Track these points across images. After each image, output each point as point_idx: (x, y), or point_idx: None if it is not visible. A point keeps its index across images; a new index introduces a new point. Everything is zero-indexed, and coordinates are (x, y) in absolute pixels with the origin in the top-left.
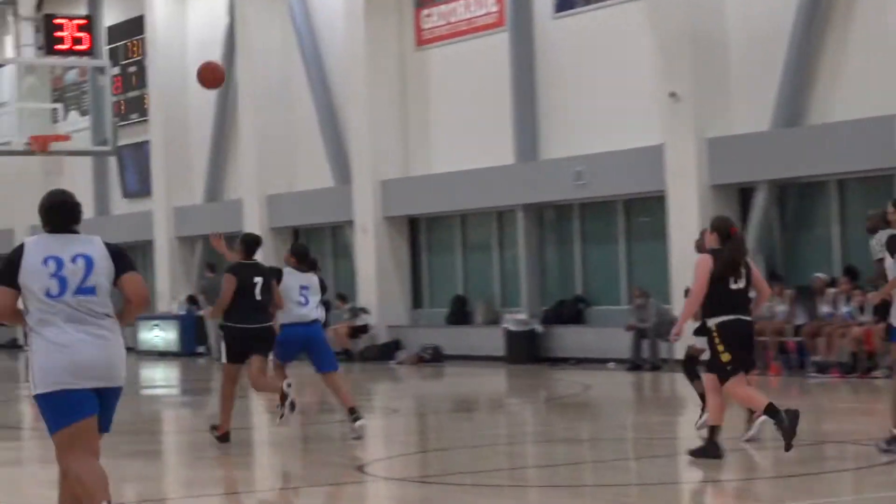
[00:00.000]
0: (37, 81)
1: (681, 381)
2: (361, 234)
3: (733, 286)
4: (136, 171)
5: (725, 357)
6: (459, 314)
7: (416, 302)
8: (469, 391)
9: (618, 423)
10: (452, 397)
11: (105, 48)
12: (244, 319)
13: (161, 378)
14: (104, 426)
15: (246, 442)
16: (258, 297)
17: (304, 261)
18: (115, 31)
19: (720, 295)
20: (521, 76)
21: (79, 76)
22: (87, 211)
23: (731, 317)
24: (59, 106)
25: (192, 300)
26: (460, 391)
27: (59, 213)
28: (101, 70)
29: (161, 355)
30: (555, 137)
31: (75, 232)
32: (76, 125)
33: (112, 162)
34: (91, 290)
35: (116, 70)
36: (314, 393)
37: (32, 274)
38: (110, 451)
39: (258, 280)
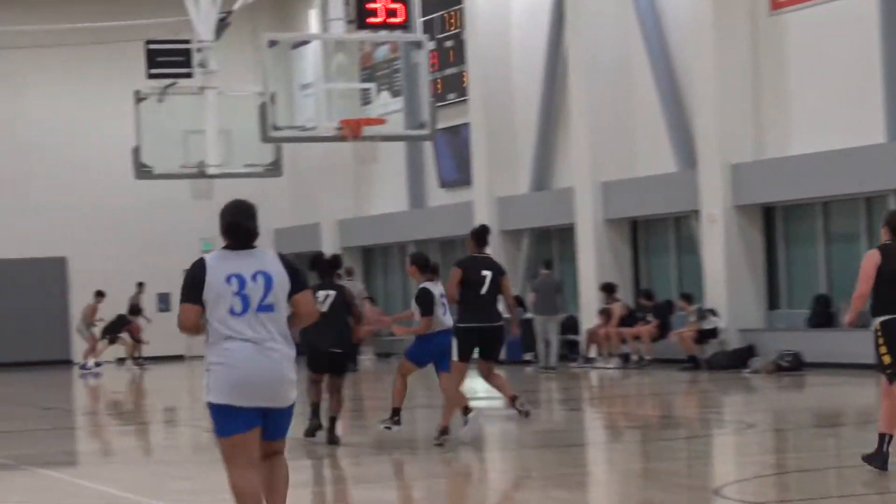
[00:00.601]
0: (346, 59)
1: None
2: (709, 225)
3: None
4: (453, 157)
5: (887, 359)
6: (822, 316)
7: (772, 302)
8: (834, 404)
9: None
10: (815, 410)
11: (419, 20)
12: (471, 318)
13: (484, 388)
14: (280, 435)
15: (580, 460)
16: (482, 292)
17: (425, 270)
18: (430, 2)
19: (885, 293)
20: (893, 42)
21: (390, 52)
22: (401, 203)
23: (894, 316)
24: (371, 86)
25: (518, 301)
26: (824, 404)
27: (238, 234)
28: (416, 45)
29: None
30: None
31: (252, 247)
32: (387, 107)
33: (427, 148)
34: (270, 308)
35: (432, 45)
36: (656, 407)
37: (216, 292)
38: (426, 468)
39: (486, 274)
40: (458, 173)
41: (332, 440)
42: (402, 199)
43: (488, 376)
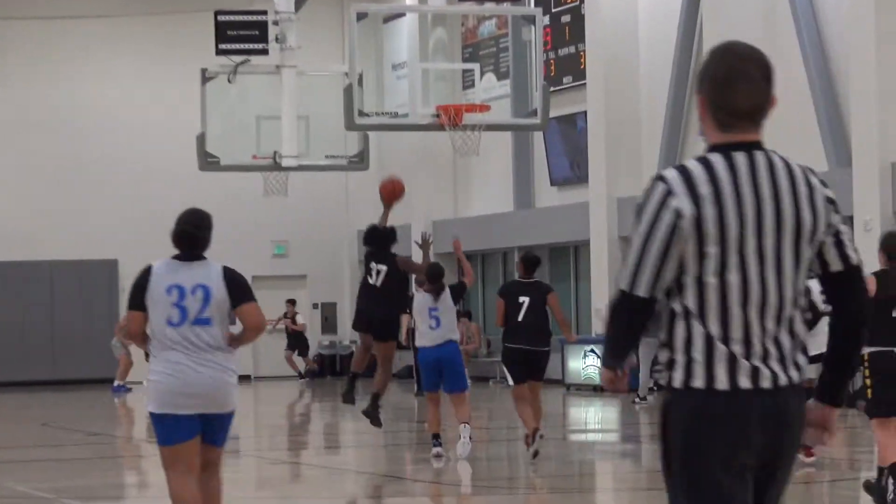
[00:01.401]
0: (445, 35)
1: None
2: (864, 233)
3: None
4: (567, 150)
5: (869, 393)
6: None
7: None
8: None
9: None
10: None
11: None
12: (512, 340)
13: (595, 419)
14: (219, 443)
15: None
16: (520, 319)
17: (435, 282)
18: None
19: (878, 322)
20: None
21: (497, 28)
22: (506, 203)
23: (885, 349)
24: (474, 67)
25: None
26: None
27: (184, 242)
28: (528, 20)
29: (597, 390)
30: None
31: (200, 257)
32: (492, 92)
33: (537, 140)
34: (206, 321)
35: (546, 20)
36: None
37: (157, 301)
38: None
39: (524, 300)
40: (572, 170)
41: (375, 419)
42: (507, 199)
43: (532, 400)
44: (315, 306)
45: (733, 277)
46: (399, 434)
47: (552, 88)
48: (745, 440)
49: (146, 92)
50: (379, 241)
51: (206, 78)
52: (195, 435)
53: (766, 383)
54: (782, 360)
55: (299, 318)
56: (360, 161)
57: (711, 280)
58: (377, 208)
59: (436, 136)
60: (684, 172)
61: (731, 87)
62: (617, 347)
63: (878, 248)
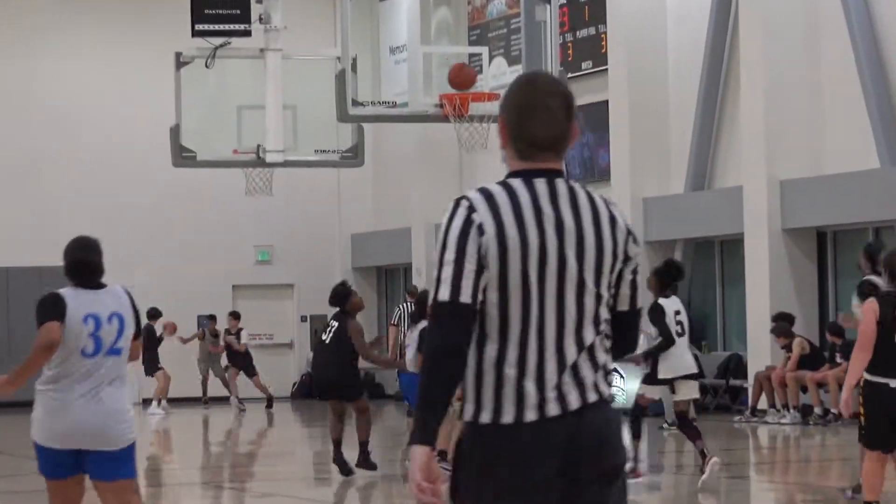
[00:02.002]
0: (449, 15)
1: None
2: None
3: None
4: (585, 145)
5: (863, 421)
6: None
7: None
8: None
9: None
10: None
11: None
12: None
13: None
14: (130, 475)
15: None
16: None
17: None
18: None
19: (879, 349)
20: None
21: (507, 7)
22: None
23: (882, 380)
24: (481, 51)
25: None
26: None
27: (86, 272)
28: None
29: (624, 414)
30: None
31: (103, 284)
32: (502, 78)
33: None
34: (118, 352)
35: None
36: (844, 476)
37: (74, 330)
38: None
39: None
40: (591, 165)
41: (367, 466)
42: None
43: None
44: (303, 319)
45: (533, 302)
46: (392, 463)
47: (570, 75)
48: (540, 473)
49: (113, 78)
50: (331, 299)
51: (180, 62)
52: (76, 473)
53: (553, 411)
54: (581, 385)
55: (244, 336)
56: (353, 156)
57: (511, 304)
58: (372, 208)
59: (439, 128)
60: (486, 194)
61: (531, 119)
62: (437, 387)
63: (883, 267)
